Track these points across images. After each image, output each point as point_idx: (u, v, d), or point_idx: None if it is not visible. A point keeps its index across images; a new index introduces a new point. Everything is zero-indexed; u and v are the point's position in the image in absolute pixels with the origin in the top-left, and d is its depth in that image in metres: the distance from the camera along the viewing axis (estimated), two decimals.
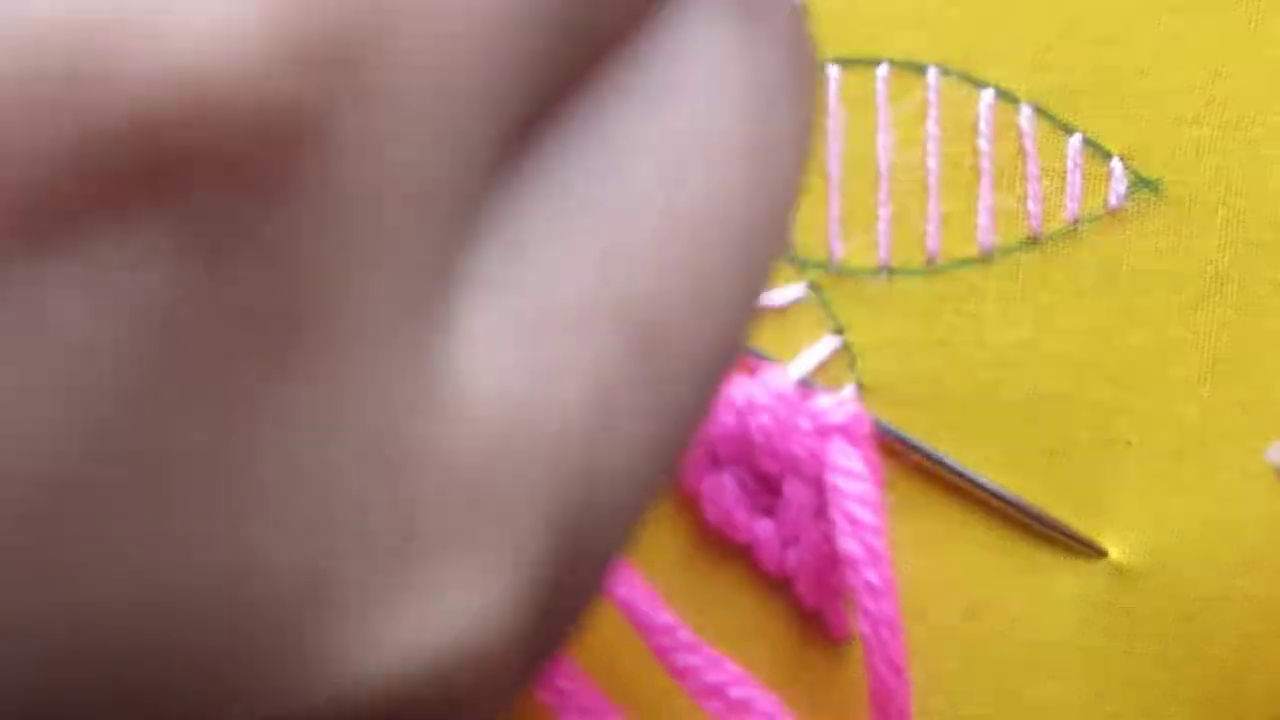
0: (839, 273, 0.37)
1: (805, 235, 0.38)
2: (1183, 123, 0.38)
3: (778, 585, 0.38)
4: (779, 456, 0.36)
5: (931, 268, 0.38)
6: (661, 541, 0.37)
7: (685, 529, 0.38)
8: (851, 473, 0.36)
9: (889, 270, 0.38)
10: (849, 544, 0.35)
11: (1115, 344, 0.38)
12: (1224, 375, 0.38)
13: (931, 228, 0.37)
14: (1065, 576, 0.38)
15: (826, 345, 0.37)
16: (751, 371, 0.37)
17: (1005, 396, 0.38)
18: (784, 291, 0.37)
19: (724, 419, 0.37)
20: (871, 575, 0.35)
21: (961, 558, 0.38)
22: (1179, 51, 0.38)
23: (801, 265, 0.37)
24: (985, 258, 0.38)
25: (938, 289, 0.38)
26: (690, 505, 0.37)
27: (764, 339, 0.37)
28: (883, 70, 0.37)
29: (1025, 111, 0.38)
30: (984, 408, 0.38)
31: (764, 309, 0.37)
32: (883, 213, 0.37)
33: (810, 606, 0.38)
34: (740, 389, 0.37)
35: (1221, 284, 0.38)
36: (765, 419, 0.37)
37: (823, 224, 0.38)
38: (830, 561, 0.37)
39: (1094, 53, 0.38)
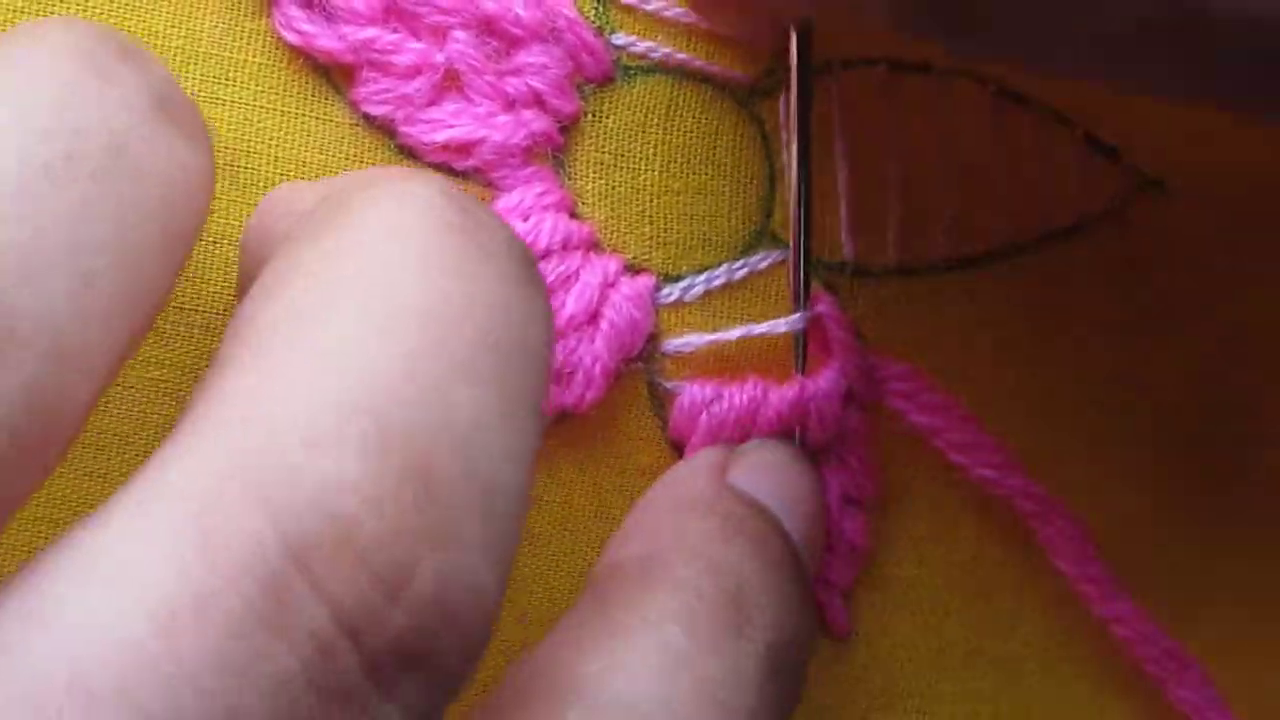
0: (853, 274, 0.37)
1: (819, 237, 0.37)
2: (1186, 119, 0.38)
3: None
4: None
5: (941, 268, 0.37)
6: None
7: None
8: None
9: (901, 271, 0.37)
10: None
11: (1120, 343, 0.38)
12: (1226, 376, 0.38)
13: (940, 228, 0.37)
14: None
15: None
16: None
17: (1014, 396, 0.38)
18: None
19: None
20: None
21: (969, 554, 0.38)
22: None
23: (816, 268, 0.37)
24: (992, 257, 0.37)
25: (947, 290, 0.37)
26: None
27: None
28: (885, 69, 0.37)
29: (1029, 108, 0.37)
30: (994, 407, 0.37)
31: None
32: (892, 213, 0.37)
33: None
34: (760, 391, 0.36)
35: (1225, 282, 0.38)
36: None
37: (835, 225, 0.37)
38: (833, 557, 0.37)
39: None
